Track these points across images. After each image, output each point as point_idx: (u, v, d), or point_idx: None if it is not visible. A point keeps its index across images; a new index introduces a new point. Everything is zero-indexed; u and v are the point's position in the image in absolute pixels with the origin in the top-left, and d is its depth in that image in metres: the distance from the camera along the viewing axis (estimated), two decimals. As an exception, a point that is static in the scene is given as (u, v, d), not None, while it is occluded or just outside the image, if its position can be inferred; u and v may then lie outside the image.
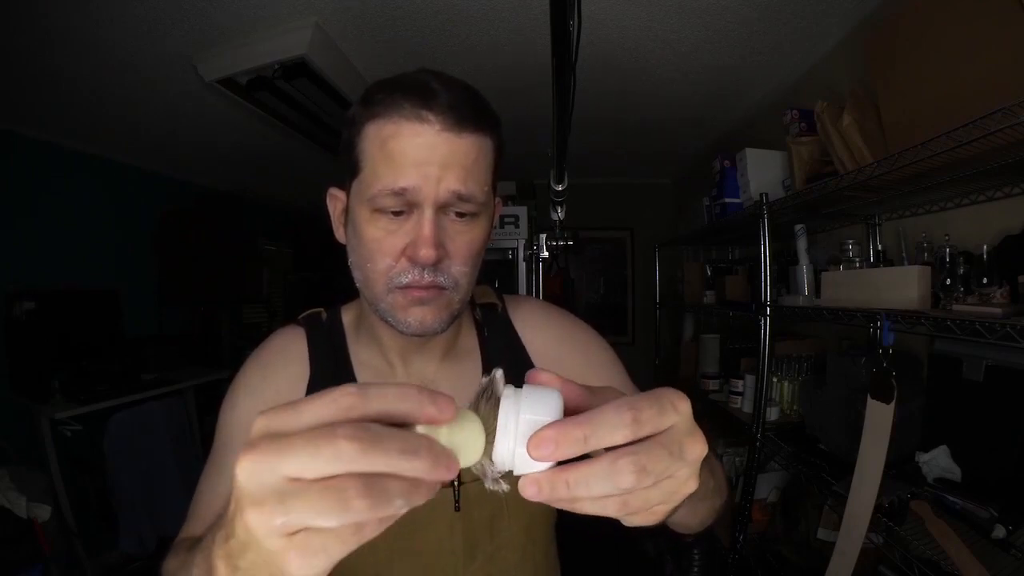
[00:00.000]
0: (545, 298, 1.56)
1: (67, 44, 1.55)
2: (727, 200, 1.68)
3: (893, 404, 0.96)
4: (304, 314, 0.67)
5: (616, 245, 3.80)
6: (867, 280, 1.16)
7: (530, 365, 0.65)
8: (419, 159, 0.48)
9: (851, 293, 1.17)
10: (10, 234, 2.19)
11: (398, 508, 0.22)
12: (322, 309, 0.68)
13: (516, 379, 0.51)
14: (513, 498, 0.54)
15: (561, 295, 2.00)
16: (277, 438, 0.22)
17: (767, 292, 1.43)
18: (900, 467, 1.06)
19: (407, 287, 0.51)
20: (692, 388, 2.08)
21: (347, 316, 0.67)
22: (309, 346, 0.62)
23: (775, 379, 1.55)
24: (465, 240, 0.52)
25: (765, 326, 1.43)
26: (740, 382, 1.70)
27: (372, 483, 0.21)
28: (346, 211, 0.56)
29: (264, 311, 4.02)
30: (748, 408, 1.62)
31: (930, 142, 0.86)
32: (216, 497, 0.55)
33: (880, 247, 1.37)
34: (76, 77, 1.77)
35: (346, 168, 0.54)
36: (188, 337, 3.14)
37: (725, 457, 1.89)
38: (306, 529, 0.22)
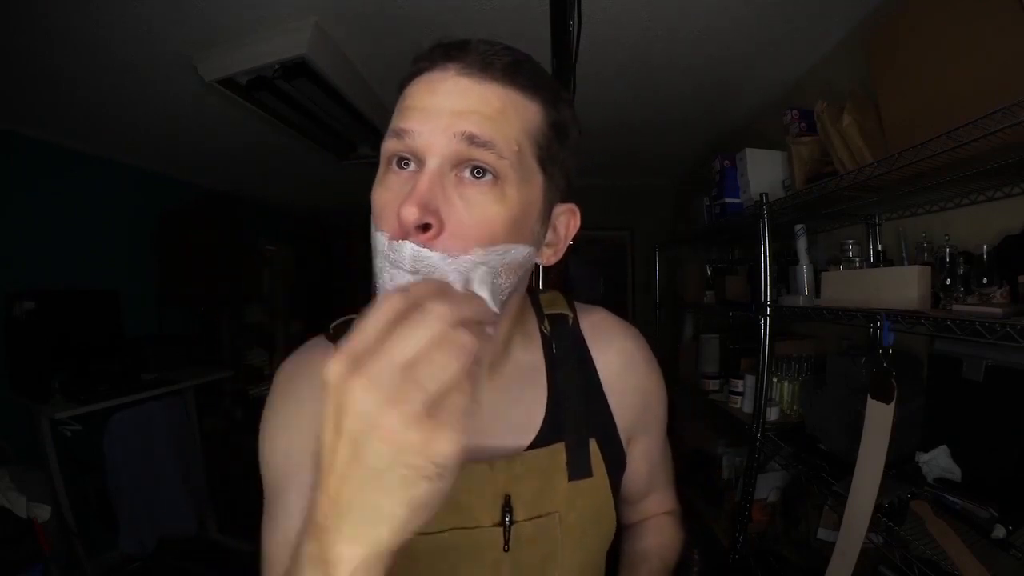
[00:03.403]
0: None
1: (67, 44, 1.55)
2: (727, 200, 1.68)
3: (893, 404, 0.96)
4: (336, 323, 0.58)
5: (616, 245, 3.80)
6: (867, 280, 1.16)
7: (599, 390, 0.58)
8: (431, 104, 0.41)
9: (851, 293, 1.17)
10: (10, 234, 2.19)
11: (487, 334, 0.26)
12: (355, 316, 0.61)
13: (585, 402, 0.53)
14: (569, 538, 0.54)
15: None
16: (366, 351, 0.25)
17: (767, 292, 1.43)
18: (900, 467, 1.06)
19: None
20: (692, 388, 2.08)
21: None
22: None
23: (775, 379, 1.55)
24: (478, 210, 0.40)
25: (765, 326, 1.43)
26: (740, 382, 1.70)
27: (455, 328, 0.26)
28: None
29: (264, 311, 4.02)
30: (748, 408, 1.62)
31: (930, 142, 0.86)
32: (286, 542, 0.46)
33: (880, 247, 1.37)
34: (76, 77, 1.76)
35: None
36: (188, 337, 3.14)
37: (725, 457, 1.89)
38: (436, 401, 0.25)
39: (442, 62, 0.42)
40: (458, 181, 0.41)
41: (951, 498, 0.94)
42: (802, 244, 1.42)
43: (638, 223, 3.70)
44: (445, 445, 0.25)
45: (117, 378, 2.37)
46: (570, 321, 0.60)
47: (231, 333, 3.43)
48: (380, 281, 0.42)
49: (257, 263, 3.62)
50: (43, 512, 1.77)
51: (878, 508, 0.98)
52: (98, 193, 2.61)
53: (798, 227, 1.43)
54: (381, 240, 0.41)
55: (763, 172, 1.56)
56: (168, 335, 3.01)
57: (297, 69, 1.62)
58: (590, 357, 0.59)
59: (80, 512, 2.06)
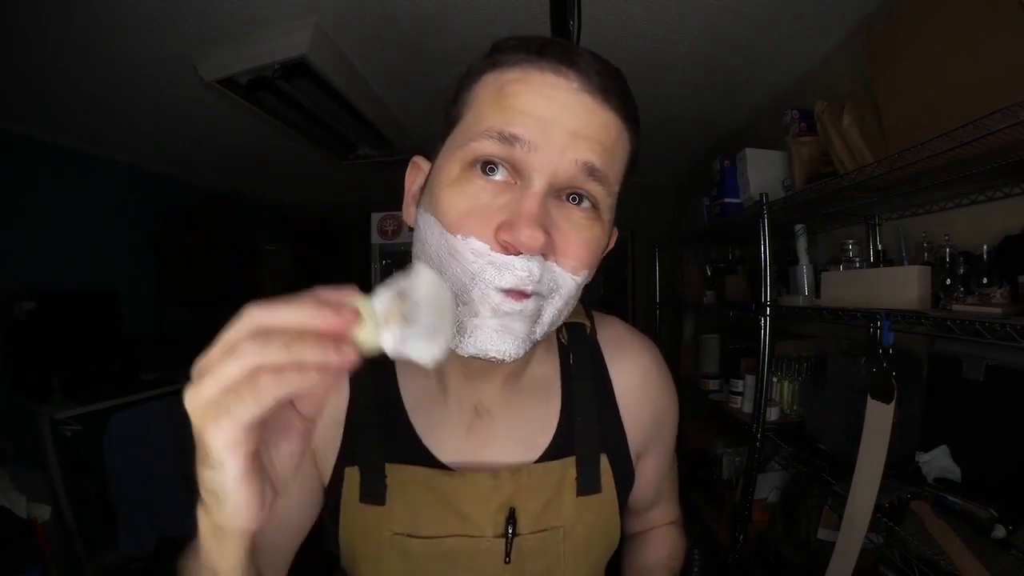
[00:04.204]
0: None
1: (67, 44, 1.55)
2: (727, 200, 1.68)
3: (893, 404, 0.96)
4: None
5: (616, 245, 3.79)
6: (867, 280, 1.16)
7: (613, 405, 0.57)
8: (546, 113, 0.37)
9: (851, 293, 1.17)
10: (10, 234, 2.19)
11: (300, 384, 0.26)
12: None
13: (598, 417, 0.54)
14: (572, 553, 0.53)
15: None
16: (220, 350, 0.27)
17: (767, 292, 1.43)
18: (900, 467, 1.06)
19: (512, 292, 0.38)
20: (692, 388, 2.08)
21: None
22: None
23: (775, 379, 1.55)
24: (582, 239, 0.40)
25: (765, 326, 1.43)
26: (740, 382, 1.70)
27: (277, 370, 0.26)
28: (424, 186, 0.45)
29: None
30: (748, 408, 1.62)
31: (930, 142, 0.86)
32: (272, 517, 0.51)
33: (880, 247, 1.37)
34: (76, 77, 1.77)
35: (443, 127, 0.44)
36: (188, 337, 3.14)
37: (725, 457, 1.89)
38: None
39: (556, 64, 0.38)
40: (559, 203, 0.39)
41: (951, 498, 0.94)
42: (802, 244, 1.42)
43: (638, 223, 3.69)
44: (210, 435, 0.28)
45: (117, 378, 2.37)
46: (587, 331, 0.59)
47: (231, 333, 3.42)
48: (472, 287, 0.39)
49: (257, 263, 3.62)
50: (43, 512, 1.77)
51: (878, 508, 0.98)
52: (98, 193, 2.61)
53: (798, 227, 1.43)
54: (472, 245, 0.38)
55: (763, 172, 1.56)
56: (168, 335, 3.01)
57: (297, 69, 1.62)
58: (606, 370, 0.58)
59: (80, 512, 2.06)
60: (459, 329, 0.40)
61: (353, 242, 4.45)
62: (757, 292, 1.50)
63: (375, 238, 2.42)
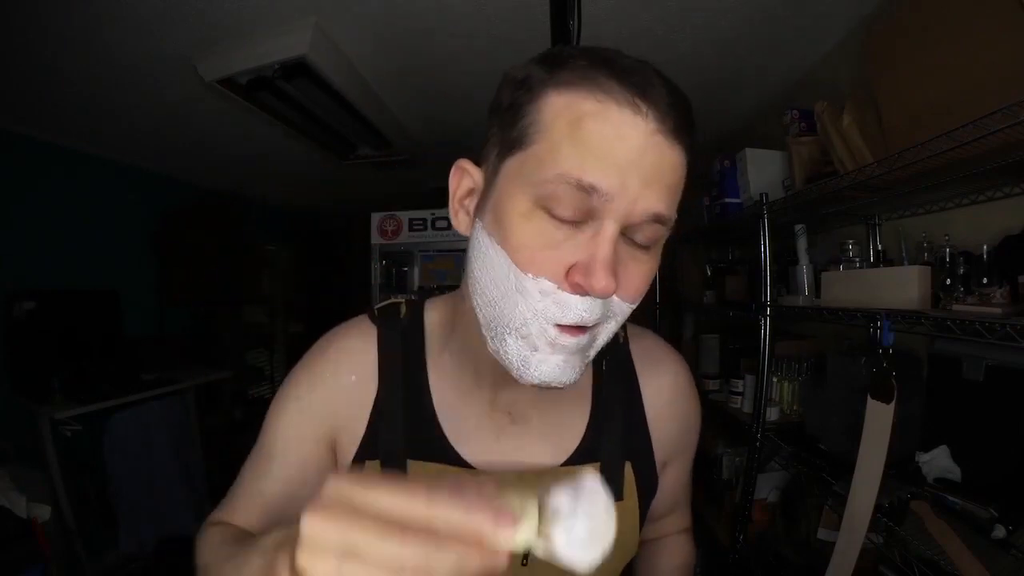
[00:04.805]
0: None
1: (67, 44, 1.55)
2: (727, 200, 1.68)
3: (893, 404, 0.96)
4: (381, 305, 0.57)
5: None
6: (867, 280, 1.16)
7: (642, 415, 0.58)
8: (622, 159, 0.36)
9: (851, 293, 1.17)
10: (10, 234, 2.19)
11: None
12: (402, 301, 0.57)
13: (625, 425, 0.55)
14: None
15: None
16: (350, 510, 0.24)
17: (767, 292, 1.43)
18: (900, 467, 1.06)
19: (569, 327, 0.40)
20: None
21: (432, 316, 0.56)
22: (380, 353, 0.53)
23: (775, 379, 1.55)
24: (642, 273, 0.42)
25: (765, 326, 1.43)
26: (740, 382, 1.70)
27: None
28: (479, 196, 0.44)
29: (264, 311, 4.03)
30: (748, 408, 1.62)
31: (930, 142, 0.86)
32: (258, 495, 0.52)
33: (880, 247, 1.37)
34: (76, 77, 1.77)
35: (499, 139, 0.42)
36: (188, 337, 3.14)
37: (725, 457, 1.89)
38: None
39: (632, 98, 0.37)
40: (627, 244, 0.40)
41: (951, 498, 0.94)
42: (802, 244, 1.42)
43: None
44: None
45: (117, 378, 2.37)
46: (620, 340, 0.59)
47: (231, 333, 3.43)
48: (533, 322, 0.40)
49: (257, 263, 3.62)
50: (43, 512, 1.77)
51: (878, 508, 0.98)
52: (98, 193, 2.61)
53: (798, 227, 1.43)
54: (542, 285, 0.39)
55: (763, 172, 1.56)
56: (168, 335, 3.01)
57: (297, 69, 1.63)
58: (636, 381, 0.58)
59: (80, 512, 2.06)
60: (523, 362, 0.41)
61: (353, 242, 4.46)
62: (757, 292, 1.50)
63: (375, 238, 2.42)
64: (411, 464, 0.50)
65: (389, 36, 1.62)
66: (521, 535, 0.26)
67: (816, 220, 1.49)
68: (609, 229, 0.37)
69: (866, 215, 1.39)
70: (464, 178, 0.46)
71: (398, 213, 2.42)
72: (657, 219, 0.39)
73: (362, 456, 0.52)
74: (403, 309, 0.56)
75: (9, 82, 1.78)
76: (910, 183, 1.07)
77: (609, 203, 0.37)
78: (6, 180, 2.19)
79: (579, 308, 0.39)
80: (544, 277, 0.38)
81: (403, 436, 0.51)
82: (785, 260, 1.56)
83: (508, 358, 0.42)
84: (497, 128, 0.42)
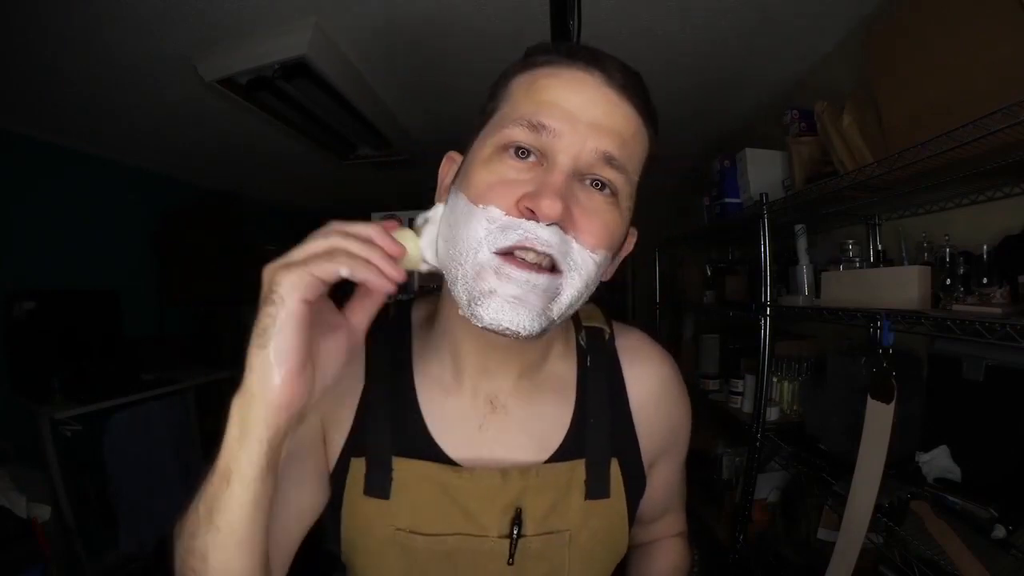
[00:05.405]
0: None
1: (67, 44, 1.55)
2: (727, 200, 1.68)
3: (893, 404, 0.96)
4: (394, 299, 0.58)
5: (616, 245, 3.79)
6: (867, 280, 1.16)
7: (627, 413, 0.57)
8: (573, 105, 0.41)
9: (851, 293, 1.17)
10: (10, 234, 2.19)
11: (364, 273, 0.37)
12: (390, 302, 0.59)
13: (611, 421, 0.57)
14: (577, 558, 0.54)
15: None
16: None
17: (767, 292, 1.43)
18: (900, 467, 1.06)
19: (511, 251, 0.40)
20: (692, 388, 2.08)
21: (417, 313, 0.58)
22: (367, 352, 0.54)
23: (775, 379, 1.55)
24: (602, 219, 0.42)
25: (765, 326, 1.43)
26: (740, 382, 1.70)
27: (351, 255, 0.37)
28: (457, 174, 0.48)
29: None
30: (748, 408, 1.62)
31: (930, 142, 0.86)
32: None
33: (880, 247, 1.37)
34: (76, 77, 1.76)
35: (478, 124, 0.47)
36: (188, 337, 3.14)
37: (725, 457, 1.89)
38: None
39: (584, 64, 0.42)
40: (582, 186, 0.42)
41: (951, 498, 0.94)
42: (802, 244, 1.42)
43: (638, 223, 3.69)
44: (280, 276, 0.35)
45: (117, 378, 2.37)
46: (606, 337, 0.59)
47: (231, 333, 3.42)
48: (479, 251, 0.41)
49: (257, 263, 3.60)
50: (43, 512, 1.77)
51: (878, 508, 0.98)
52: (98, 193, 2.61)
53: (798, 227, 1.43)
54: (490, 213, 0.41)
55: (763, 172, 1.56)
56: (168, 335, 3.01)
57: (297, 69, 1.63)
58: (622, 377, 0.58)
59: (80, 512, 2.06)
60: (473, 300, 0.41)
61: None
62: (757, 292, 1.50)
63: (375, 238, 2.42)
64: (396, 461, 0.50)
65: (389, 36, 1.62)
66: (404, 241, 0.42)
67: (816, 220, 1.49)
68: (561, 163, 0.41)
69: (866, 215, 1.39)
70: (452, 167, 0.50)
71: (398, 213, 2.42)
72: (608, 159, 0.41)
73: (349, 451, 0.52)
74: (390, 309, 0.58)
75: (9, 82, 1.78)
76: (910, 183, 1.07)
77: (559, 140, 0.41)
78: (6, 180, 2.18)
79: (524, 228, 0.40)
80: (493, 205, 0.41)
81: (389, 433, 0.51)
82: (785, 260, 1.56)
83: (460, 299, 0.42)
84: (478, 117, 0.48)
